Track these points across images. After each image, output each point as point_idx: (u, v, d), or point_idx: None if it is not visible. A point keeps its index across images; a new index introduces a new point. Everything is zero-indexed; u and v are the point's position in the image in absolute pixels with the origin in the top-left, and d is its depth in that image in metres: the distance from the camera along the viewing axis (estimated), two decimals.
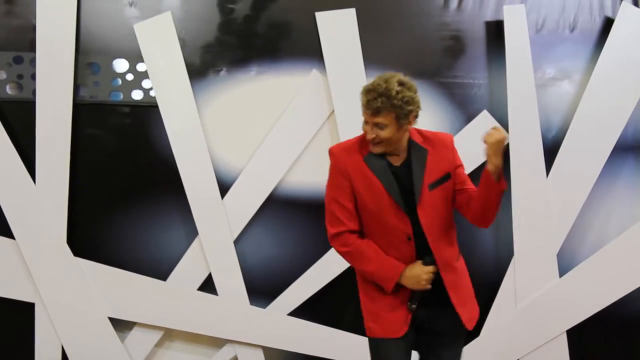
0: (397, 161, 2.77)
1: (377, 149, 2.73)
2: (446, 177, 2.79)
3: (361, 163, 2.75)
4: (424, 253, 2.74)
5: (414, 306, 2.74)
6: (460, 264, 2.89)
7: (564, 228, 4.10)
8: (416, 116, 2.71)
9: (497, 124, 2.56)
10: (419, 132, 2.83)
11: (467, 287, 2.90)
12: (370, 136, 2.69)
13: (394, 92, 2.60)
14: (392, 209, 2.73)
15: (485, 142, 2.66)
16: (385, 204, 2.73)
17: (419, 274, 2.71)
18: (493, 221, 2.83)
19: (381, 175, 2.72)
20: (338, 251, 2.83)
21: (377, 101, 2.61)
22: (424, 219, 2.73)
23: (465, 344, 4.03)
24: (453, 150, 2.87)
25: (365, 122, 2.70)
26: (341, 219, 2.77)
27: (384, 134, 2.66)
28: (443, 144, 2.83)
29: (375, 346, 2.84)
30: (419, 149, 2.77)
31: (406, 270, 2.72)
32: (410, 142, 2.77)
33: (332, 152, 2.83)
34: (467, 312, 2.83)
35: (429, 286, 2.71)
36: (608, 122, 4.10)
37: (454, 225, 2.87)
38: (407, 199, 2.74)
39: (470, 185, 2.85)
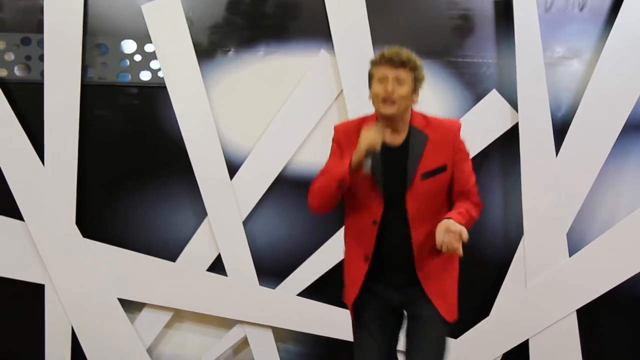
0: (395, 140, 2.72)
1: (389, 109, 2.65)
2: (442, 168, 2.71)
3: (356, 139, 2.67)
4: (391, 238, 2.70)
5: (368, 168, 2.60)
6: (447, 259, 2.77)
7: (573, 207, 4.08)
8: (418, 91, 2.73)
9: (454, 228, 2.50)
10: (424, 116, 2.79)
11: (448, 283, 2.80)
12: (390, 88, 2.63)
13: (413, 56, 2.69)
14: (368, 188, 2.69)
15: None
16: (362, 181, 2.67)
17: (367, 134, 2.62)
18: None
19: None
20: (310, 202, 2.77)
21: (402, 55, 2.65)
22: (412, 207, 2.68)
23: (476, 323, 4.10)
24: (455, 139, 2.76)
25: (380, 81, 2.65)
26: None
27: (402, 91, 2.64)
28: (446, 132, 2.75)
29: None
30: (419, 134, 2.72)
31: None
32: (411, 127, 2.73)
33: (335, 127, 2.86)
34: (444, 305, 2.76)
35: (382, 136, 2.62)
36: (618, 101, 4.08)
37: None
38: (394, 184, 2.69)
39: (465, 186, 2.76)
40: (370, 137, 2.60)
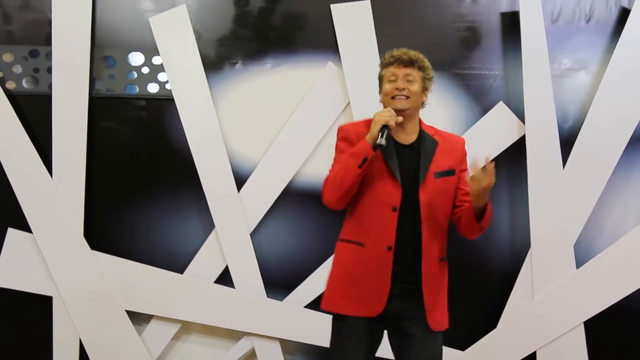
0: (406, 140, 2.77)
1: (400, 104, 2.70)
2: (451, 171, 2.78)
3: (366, 129, 2.71)
4: (406, 230, 2.69)
5: (382, 141, 2.60)
6: (443, 266, 2.80)
7: (581, 219, 4.09)
8: (428, 90, 2.80)
9: (491, 163, 2.57)
10: (433, 127, 2.86)
11: (442, 292, 2.81)
12: (400, 86, 2.70)
13: (422, 55, 2.79)
14: (384, 177, 2.70)
15: (472, 180, 2.63)
16: (378, 170, 2.69)
17: (381, 112, 2.67)
18: (478, 236, 2.81)
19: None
20: (326, 196, 2.73)
21: (411, 54, 2.74)
22: (424, 197, 2.70)
23: (483, 335, 4.10)
24: (462, 152, 2.86)
25: (390, 80, 2.73)
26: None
27: (413, 88, 2.72)
28: (454, 143, 2.85)
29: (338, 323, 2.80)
30: (430, 139, 2.79)
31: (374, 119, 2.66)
32: (422, 131, 2.79)
33: (340, 127, 2.85)
34: (436, 313, 2.75)
35: (396, 117, 2.64)
36: (625, 112, 4.08)
37: (447, 228, 2.82)
38: (407, 178, 2.71)
39: (468, 196, 2.76)
40: (385, 114, 2.64)
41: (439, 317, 2.76)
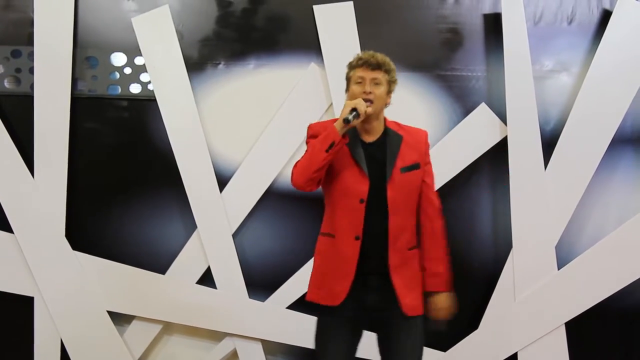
0: (371, 139, 2.87)
1: (367, 108, 2.76)
2: (416, 165, 2.86)
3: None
4: (374, 222, 2.78)
5: (350, 117, 2.67)
6: (413, 254, 2.89)
7: (562, 220, 4.09)
8: (392, 92, 2.89)
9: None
10: (396, 123, 2.95)
11: (413, 279, 2.88)
12: (367, 89, 2.78)
13: (388, 59, 2.86)
14: (352, 170, 2.80)
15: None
16: (346, 163, 2.80)
17: (354, 100, 2.74)
18: None
19: (350, 139, 2.78)
20: (294, 179, 2.80)
21: (378, 57, 2.82)
22: (392, 192, 2.79)
23: (465, 336, 4.11)
24: (426, 145, 2.95)
25: (358, 82, 2.81)
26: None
27: (379, 91, 2.80)
28: (417, 136, 2.94)
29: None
30: (395, 134, 2.88)
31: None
32: (386, 128, 2.89)
33: (309, 125, 2.95)
34: (409, 299, 2.83)
35: (366, 106, 2.72)
36: (606, 114, 4.09)
37: (415, 218, 2.91)
38: (375, 173, 2.80)
39: (432, 188, 2.94)
40: (355, 100, 2.73)
41: (411, 302, 2.83)
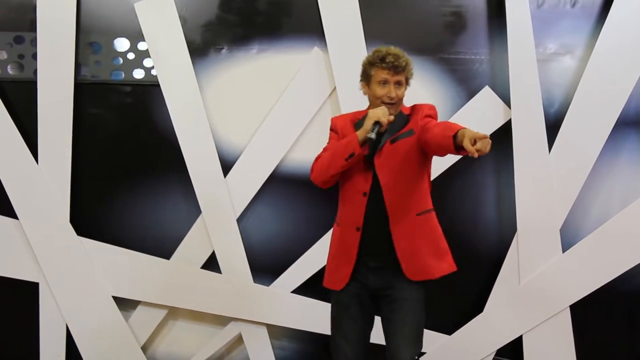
0: (383, 128, 2.89)
1: (393, 110, 2.89)
2: (408, 132, 2.91)
3: (350, 125, 3.01)
4: (374, 210, 2.87)
5: (373, 135, 2.76)
6: (424, 219, 2.93)
7: (566, 203, 4.09)
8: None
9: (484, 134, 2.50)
10: (411, 107, 3.03)
11: (425, 240, 2.91)
12: (392, 94, 2.88)
13: (406, 56, 2.92)
14: (358, 165, 2.89)
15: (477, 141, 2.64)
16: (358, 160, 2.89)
17: (375, 109, 2.82)
18: None
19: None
20: (313, 177, 2.95)
21: (402, 60, 2.88)
22: (380, 168, 2.87)
23: (470, 319, 4.11)
24: (423, 112, 2.95)
25: (381, 83, 2.88)
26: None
27: (401, 93, 2.92)
28: (420, 109, 2.98)
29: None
30: (402, 115, 2.97)
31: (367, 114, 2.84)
32: (400, 112, 2.97)
33: (332, 118, 3.13)
34: (412, 264, 2.87)
35: (389, 115, 2.80)
36: (610, 96, 4.09)
37: (424, 181, 2.95)
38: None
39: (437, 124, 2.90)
40: (379, 112, 2.80)
41: (413, 267, 2.87)
